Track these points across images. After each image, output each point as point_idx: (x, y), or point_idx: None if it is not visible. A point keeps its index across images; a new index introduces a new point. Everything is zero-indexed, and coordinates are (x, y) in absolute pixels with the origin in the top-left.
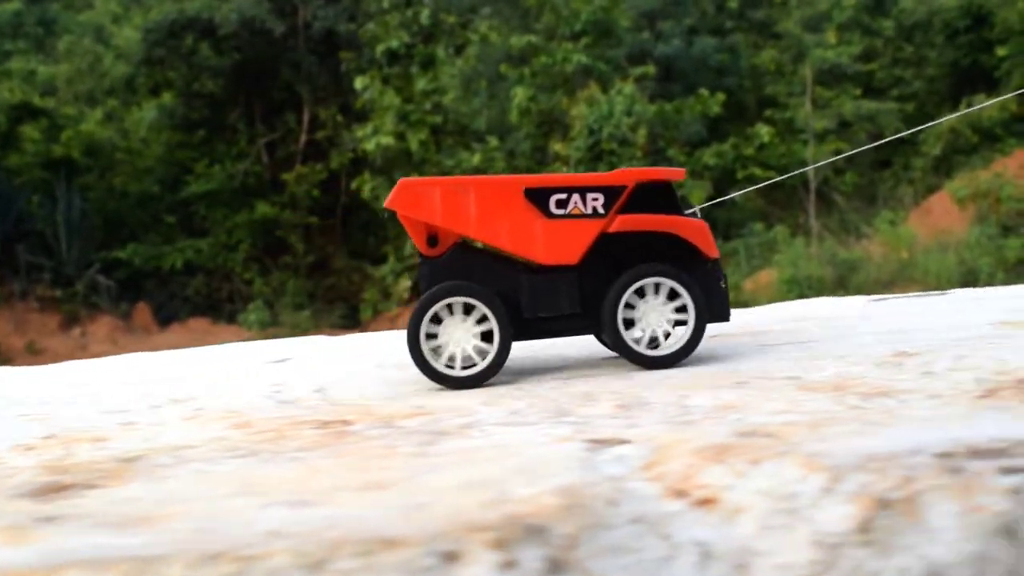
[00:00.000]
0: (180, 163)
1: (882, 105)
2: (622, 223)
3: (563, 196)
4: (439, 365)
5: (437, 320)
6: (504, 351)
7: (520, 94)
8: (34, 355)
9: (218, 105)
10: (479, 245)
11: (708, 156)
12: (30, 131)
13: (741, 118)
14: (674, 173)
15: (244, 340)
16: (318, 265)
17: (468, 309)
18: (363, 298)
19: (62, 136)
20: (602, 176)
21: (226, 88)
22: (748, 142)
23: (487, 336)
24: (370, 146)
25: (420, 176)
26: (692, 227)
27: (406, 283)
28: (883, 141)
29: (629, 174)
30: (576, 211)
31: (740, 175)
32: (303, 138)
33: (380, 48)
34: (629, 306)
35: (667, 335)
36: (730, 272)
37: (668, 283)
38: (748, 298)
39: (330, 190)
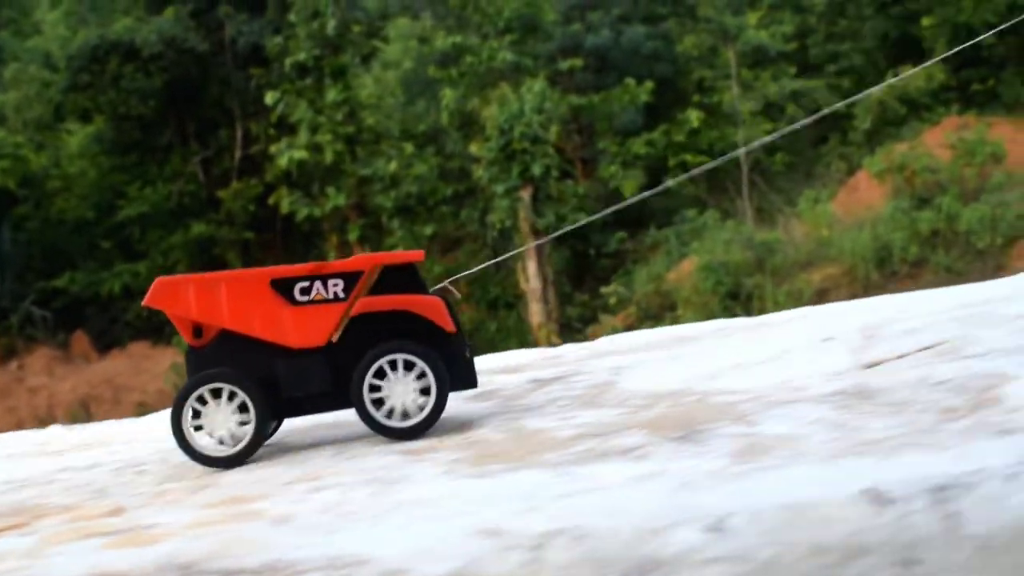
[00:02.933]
0: (114, 187)
1: (807, 83)
2: (362, 305)
3: (306, 284)
4: (199, 446)
5: (202, 402)
6: (261, 431)
7: (448, 95)
8: None
9: (150, 126)
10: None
11: (638, 146)
12: None
13: (679, 104)
14: (412, 255)
15: (181, 362)
16: None
17: (230, 395)
18: None
19: None
20: (341, 263)
21: (157, 109)
22: (679, 128)
23: (245, 420)
24: (283, 161)
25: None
26: (427, 305)
27: None
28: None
29: (366, 260)
30: (319, 297)
31: (672, 162)
32: (237, 154)
33: (289, 61)
34: (376, 384)
35: (417, 406)
36: (656, 263)
37: (407, 358)
38: (671, 288)
39: (268, 204)
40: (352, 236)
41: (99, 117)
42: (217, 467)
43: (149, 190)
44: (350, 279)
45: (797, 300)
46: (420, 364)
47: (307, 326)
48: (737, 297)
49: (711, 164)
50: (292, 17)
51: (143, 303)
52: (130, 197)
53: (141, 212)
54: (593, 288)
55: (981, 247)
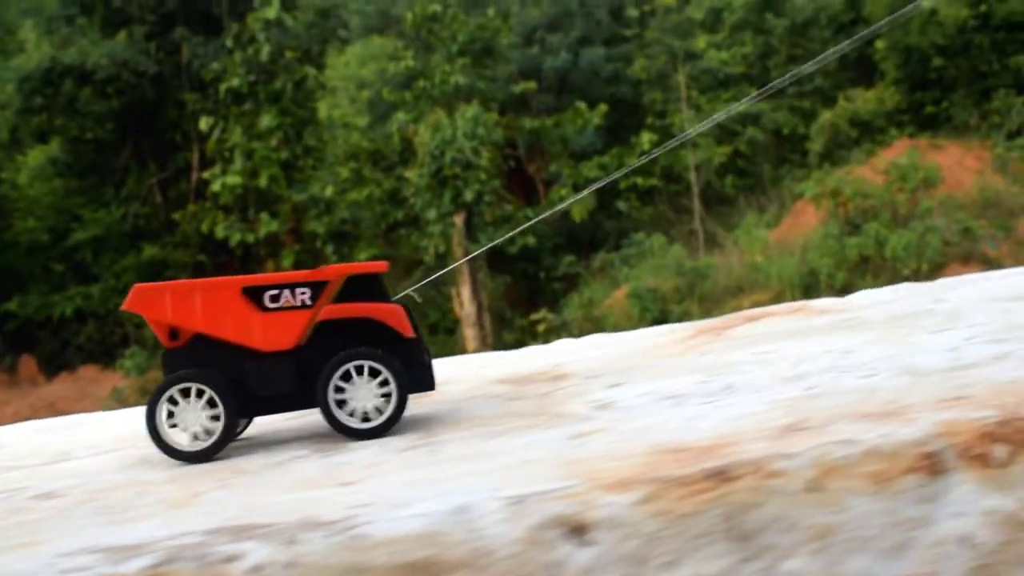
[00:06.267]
0: (69, 210)
1: (760, 105)
2: (327, 312)
3: (275, 292)
4: (173, 441)
5: (174, 403)
6: (230, 429)
7: (399, 119)
8: None
9: (106, 149)
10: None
11: (588, 168)
12: None
13: (640, 127)
14: (375, 266)
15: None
16: None
17: (200, 393)
18: None
19: None
20: (309, 273)
21: (113, 131)
22: (631, 152)
23: (216, 416)
24: (216, 187)
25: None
26: (387, 312)
27: None
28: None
29: (332, 271)
30: (287, 304)
31: (623, 184)
32: (194, 176)
33: (223, 87)
34: (340, 387)
35: (377, 409)
36: (593, 288)
37: (369, 364)
38: (602, 314)
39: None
40: (286, 262)
41: (55, 139)
42: (189, 461)
43: (103, 212)
44: (317, 288)
45: None
46: (382, 369)
47: (276, 331)
48: (664, 324)
49: (619, 173)
50: (228, 43)
51: (122, 307)
52: (84, 220)
53: (94, 235)
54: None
55: (907, 273)
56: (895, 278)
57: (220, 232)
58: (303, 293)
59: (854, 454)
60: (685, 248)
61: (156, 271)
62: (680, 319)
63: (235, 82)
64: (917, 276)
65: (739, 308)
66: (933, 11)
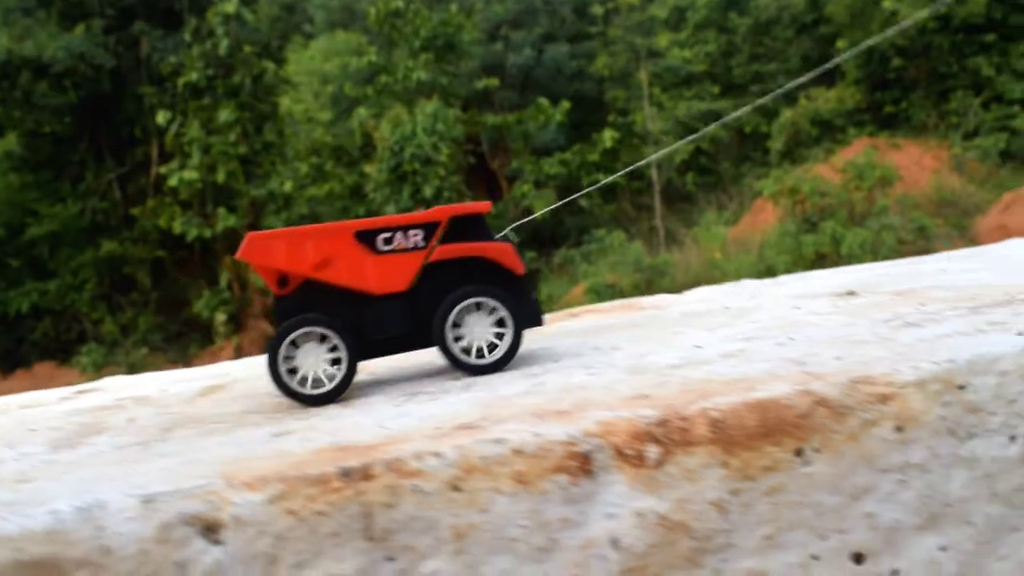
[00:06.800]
0: (25, 205)
1: (714, 104)
2: (440, 252)
3: (388, 235)
4: (294, 385)
5: (294, 347)
6: (351, 371)
7: (362, 114)
8: None
9: (63, 143)
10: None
11: (549, 165)
12: None
13: (603, 123)
14: (480, 207)
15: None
16: (173, 299)
17: (320, 337)
18: (218, 330)
19: None
20: (420, 215)
21: (71, 125)
22: (593, 148)
23: (336, 360)
24: (174, 182)
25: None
26: (498, 250)
27: (221, 317)
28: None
29: (442, 211)
30: (400, 246)
31: (585, 182)
32: (153, 171)
33: (181, 81)
34: (456, 323)
35: (491, 345)
36: (554, 285)
37: (486, 300)
38: (560, 309)
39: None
40: None
41: (11, 133)
42: (312, 405)
43: (60, 207)
44: (428, 229)
45: None
46: (498, 306)
47: (389, 273)
48: None
49: (608, 180)
50: (186, 36)
51: (236, 256)
52: (41, 215)
53: (51, 230)
54: None
55: None
56: None
57: (177, 228)
58: (415, 235)
59: (502, 453)
60: (645, 245)
61: (114, 267)
62: None
63: (193, 76)
64: None
65: None
66: (894, 12)
